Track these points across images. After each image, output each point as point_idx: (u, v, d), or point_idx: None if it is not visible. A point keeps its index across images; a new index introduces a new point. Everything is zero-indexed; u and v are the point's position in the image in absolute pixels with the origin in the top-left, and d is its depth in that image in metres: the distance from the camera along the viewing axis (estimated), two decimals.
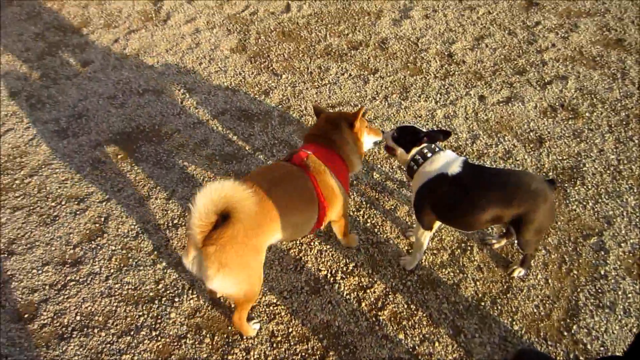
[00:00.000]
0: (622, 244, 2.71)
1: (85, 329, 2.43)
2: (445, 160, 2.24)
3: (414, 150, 2.32)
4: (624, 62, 3.92)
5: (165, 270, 2.66)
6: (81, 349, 2.36)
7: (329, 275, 2.59)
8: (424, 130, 2.36)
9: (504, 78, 3.81)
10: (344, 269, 2.62)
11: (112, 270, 2.66)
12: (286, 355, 2.31)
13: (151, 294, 2.56)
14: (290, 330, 2.39)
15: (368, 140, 2.57)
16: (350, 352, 2.31)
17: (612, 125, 3.42)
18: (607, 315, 2.42)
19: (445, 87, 3.75)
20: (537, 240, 2.32)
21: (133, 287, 2.59)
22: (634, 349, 1.62)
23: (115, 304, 2.52)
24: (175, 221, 2.89)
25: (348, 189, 2.42)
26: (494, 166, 3.14)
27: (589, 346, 2.30)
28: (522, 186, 2.11)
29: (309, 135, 2.45)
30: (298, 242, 2.75)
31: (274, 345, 2.34)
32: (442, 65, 3.94)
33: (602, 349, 2.30)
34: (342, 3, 4.70)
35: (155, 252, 2.74)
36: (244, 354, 2.31)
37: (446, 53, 4.06)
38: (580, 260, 2.65)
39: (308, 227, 2.26)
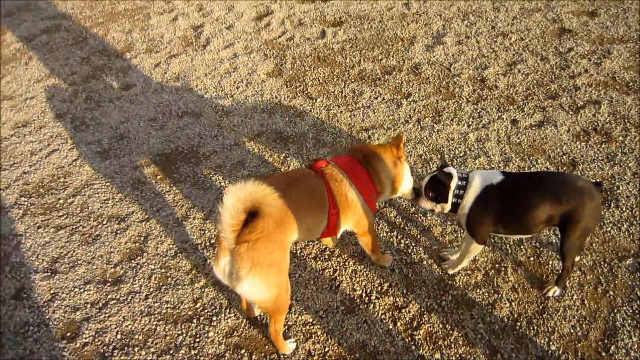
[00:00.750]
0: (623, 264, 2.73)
1: (126, 348, 2.54)
2: (482, 176, 2.40)
3: (451, 194, 2.44)
4: None
5: (203, 290, 2.78)
6: None
7: (364, 294, 2.68)
8: (445, 172, 2.44)
9: (537, 102, 3.89)
10: (379, 289, 2.70)
11: (151, 289, 2.80)
12: None
13: (189, 312, 2.67)
14: (327, 349, 2.47)
15: (408, 176, 2.61)
16: None
17: None
18: None
19: (478, 110, 3.84)
20: (580, 246, 2.40)
21: (172, 306, 2.71)
22: None
23: (154, 323, 2.64)
24: (213, 241, 3.02)
25: (373, 207, 2.51)
26: None
27: None
28: (569, 184, 2.28)
29: (352, 149, 2.60)
30: (334, 261, 2.85)
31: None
32: (475, 90, 4.05)
33: None
34: (376, 29, 4.89)
35: (193, 271, 2.87)
36: None
37: (478, 78, 4.17)
38: (616, 282, 2.67)
39: (318, 230, 2.37)
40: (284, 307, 2.26)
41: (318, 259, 2.86)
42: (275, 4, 5.44)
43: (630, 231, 2.93)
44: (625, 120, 3.67)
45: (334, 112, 3.94)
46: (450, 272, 2.73)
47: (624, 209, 3.05)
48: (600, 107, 3.79)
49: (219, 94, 4.22)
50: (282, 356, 2.45)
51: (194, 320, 2.62)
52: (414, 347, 2.44)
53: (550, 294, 2.60)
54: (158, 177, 3.50)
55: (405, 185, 2.60)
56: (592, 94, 3.93)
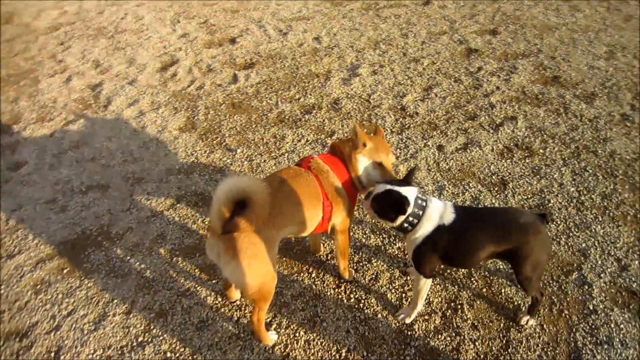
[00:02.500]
0: (602, 275, 2.75)
1: None
2: (438, 212, 2.25)
3: (401, 219, 2.26)
4: (563, 97, 4.15)
5: None
6: None
7: None
8: (404, 188, 2.23)
9: (458, 125, 3.92)
10: (337, 357, 2.47)
11: None
12: None
13: None
14: None
15: (362, 168, 2.53)
16: None
17: (566, 159, 3.56)
18: (607, 352, 2.40)
19: (404, 140, 3.80)
20: (537, 278, 2.33)
21: None
22: None
23: None
24: (140, 339, 2.64)
25: (352, 198, 2.57)
26: None
27: None
28: (511, 221, 2.22)
29: (329, 146, 2.67)
30: (283, 334, 2.59)
31: None
32: (397, 119, 4.01)
33: None
34: (290, 68, 4.77)
35: None
36: None
37: (399, 107, 4.15)
38: (568, 299, 2.65)
39: (313, 223, 2.44)
40: (268, 297, 2.32)
41: None
42: (180, 52, 5.17)
43: (569, 244, 2.95)
44: (542, 133, 3.79)
45: (257, 161, 3.72)
46: (408, 321, 2.58)
47: (559, 222, 3.09)
48: (517, 122, 3.89)
49: (127, 159, 3.86)
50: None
51: None
52: None
53: (522, 322, 2.54)
54: (65, 271, 3.04)
55: (364, 177, 2.55)
56: (507, 110, 4.03)
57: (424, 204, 2.26)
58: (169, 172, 3.70)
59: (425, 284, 2.42)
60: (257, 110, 4.28)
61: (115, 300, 2.82)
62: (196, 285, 2.86)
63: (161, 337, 2.60)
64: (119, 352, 2.56)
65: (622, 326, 2.52)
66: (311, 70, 4.73)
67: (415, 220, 2.24)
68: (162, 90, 4.64)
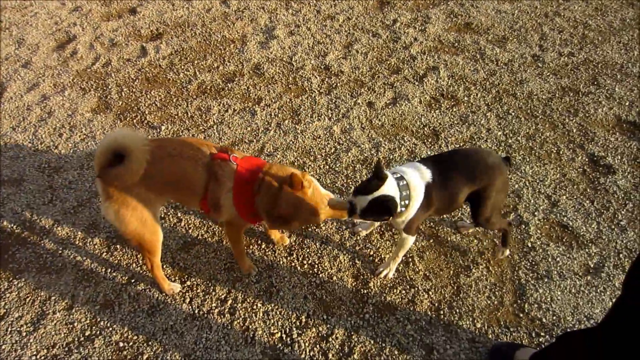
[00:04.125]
0: (536, 213, 2.96)
1: None
2: (418, 179, 2.25)
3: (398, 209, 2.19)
4: (477, 43, 4.31)
5: None
6: None
7: (284, 336, 2.43)
8: (383, 187, 2.13)
9: (384, 80, 3.96)
10: (298, 324, 2.48)
11: None
12: None
13: None
14: None
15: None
16: None
17: (489, 104, 3.73)
18: (547, 285, 2.61)
19: (333, 101, 3.78)
20: (497, 215, 2.44)
21: None
22: (611, 320, 1.74)
23: None
24: (88, 332, 2.48)
25: (243, 217, 2.36)
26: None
27: (544, 320, 2.47)
28: (481, 163, 2.29)
29: (270, 165, 2.35)
30: (240, 309, 2.55)
31: None
32: (323, 80, 3.97)
33: (554, 318, 2.48)
34: (202, 35, 4.52)
35: None
36: None
37: (322, 67, 4.10)
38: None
39: (191, 202, 2.42)
40: (151, 249, 2.41)
41: (222, 314, 2.53)
42: (75, 27, 4.70)
43: None
44: (464, 80, 3.93)
45: (186, 136, 3.54)
46: (390, 275, 2.63)
47: None
48: (440, 72, 4.00)
49: (37, 148, 3.50)
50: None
51: None
52: None
53: (500, 256, 2.69)
54: None
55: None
56: (428, 61, 4.12)
57: (404, 182, 2.21)
58: (89, 157, 3.41)
59: (411, 241, 2.45)
60: (175, 83, 4.04)
61: (53, 297, 2.61)
62: (141, 271, 2.71)
63: (110, 328, 2.46)
64: (66, 349, 2.40)
65: (558, 259, 2.74)
66: (225, 36, 4.51)
67: (407, 201, 2.21)
68: (63, 70, 4.22)
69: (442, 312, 2.50)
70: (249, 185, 2.25)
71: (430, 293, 2.59)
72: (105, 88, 4.02)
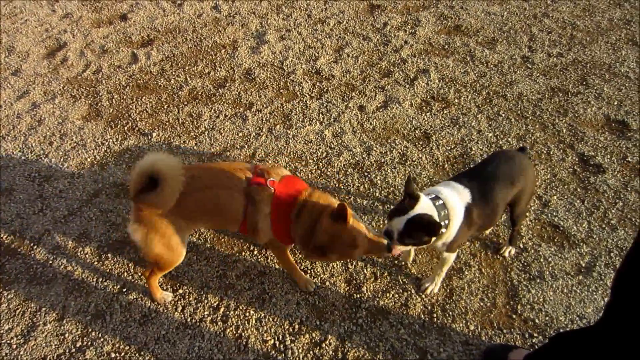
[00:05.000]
0: (527, 214, 2.95)
1: None
2: (457, 199, 2.16)
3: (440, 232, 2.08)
4: (467, 45, 4.31)
5: None
6: None
7: (277, 343, 2.41)
8: (419, 206, 2.03)
9: (375, 83, 3.95)
10: (291, 330, 2.46)
11: None
12: None
13: None
14: None
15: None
16: None
17: (480, 105, 3.73)
18: (539, 285, 2.60)
19: (325, 105, 3.76)
20: (527, 209, 2.48)
21: None
22: (604, 324, 1.74)
23: None
24: (79, 344, 2.45)
25: (282, 241, 2.38)
26: (396, 171, 3.21)
27: (537, 320, 2.46)
28: (513, 169, 2.31)
29: (309, 189, 2.31)
30: (233, 317, 2.52)
31: None
32: (314, 84, 3.96)
33: (547, 318, 2.47)
34: (193, 41, 4.49)
35: None
36: None
37: (313, 71, 4.09)
38: (500, 241, 2.82)
39: (229, 227, 2.42)
40: (164, 268, 2.41)
41: (215, 322, 2.50)
42: (66, 34, 4.67)
43: None
44: (454, 82, 3.93)
45: (176, 143, 3.52)
46: (436, 290, 2.56)
47: None
48: (430, 75, 3.99)
49: (28, 157, 3.47)
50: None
51: None
52: None
53: (506, 254, 2.71)
54: None
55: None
56: (418, 63, 4.12)
57: (440, 201, 2.10)
58: (80, 165, 3.38)
59: (455, 256, 2.42)
60: (166, 90, 4.02)
61: (44, 309, 2.57)
62: (132, 280, 2.69)
63: (102, 339, 2.43)
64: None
65: (550, 259, 2.73)
66: (216, 42, 4.50)
67: (446, 221, 2.11)
68: (53, 78, 4.18)
69: (435, 315, 2.49)
70: (287, 211, 2.23)
71: (423, 296, 2.57)
72: (95, 95, 3.99)
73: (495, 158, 2.39)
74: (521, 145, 3.38)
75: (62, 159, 3.45)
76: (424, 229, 2.01)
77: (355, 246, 2.14)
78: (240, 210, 2.24)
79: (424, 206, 2.04)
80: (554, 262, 2.71)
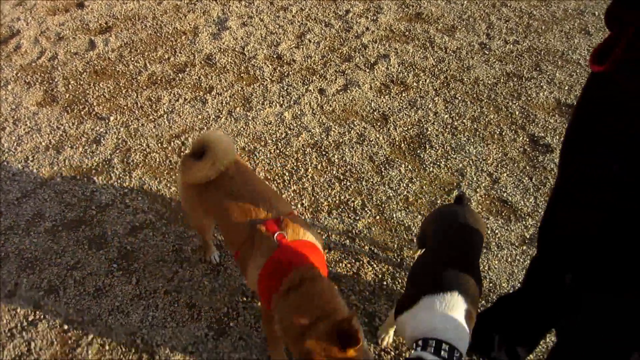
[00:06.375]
0: (478, 190, 3.19)
1: None
2: (451, 322, 1.79)
3: None
4: (427, 32, 4.57)
5: None
6: None
7: (230, 310, 2.57)
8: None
9: (335, 68, 4.16)
10: (244, 299, 2.62)
11: None
12: None
13: None
14: None
15: None
16: None
17: (437, 89, 3.98)
18: (485, 255, 2.83)
19: (285, 88, 3.95)
20: None
21: None
22: (531, 273, 1.97)
23: None
24: (31, 317, 2.56)
25: (262, 299, 2.02)
26: (354, 150, 3.42)
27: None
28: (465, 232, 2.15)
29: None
30: (187, 287, 2.67)
31: None
32: (275, 69, 4.15)
33: (490, 285, 2.69)
34: (153, 28, 4.63)
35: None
36: None
37: (275, 56, 4.28)
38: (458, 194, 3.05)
39: (227, 244, 2.54)
40: (197, 230, 2.71)
41: (169, 293, 2.65)
42: (19, 22, 4.75)
43: (448, 166, 3.36)
44: (414, 67, 4.17)
45: (135, 126, 3.65)
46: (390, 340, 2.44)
47: (437, 148, 3.48)
48: (390, 60, 4.23)
49: None
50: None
51: None
52: None
53: None
54: None
55: None
56: (379, 49, 4.35)
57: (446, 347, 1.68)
58: (35, 150, 3.48)
59: None
60: (125, 75, 4.15)
61: None
62: (87, 257, 2.81)
63: (55, 312, 2.56)
64: (9, 334, 2.48)
65: (496, 231, 2.97)
66: (177, 28, 4.64)
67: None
68: (6, 65, 4.26)
69: (385, 283, 2.69)
70: (277, 277, 1.86)
71: (374, 265, 2.77)
72: (51, 81, 4.09)
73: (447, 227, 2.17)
74: (476, 126, 3.64)
75: (15, 144, 3.55)
76: None
77: None
78: (240, 242, 2.05)
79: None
80: (500, 234, 2.95)
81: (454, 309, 1.77)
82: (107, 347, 2.44)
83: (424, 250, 2.30)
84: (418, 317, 1.79)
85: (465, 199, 2.37)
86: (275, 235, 1.93)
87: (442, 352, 1.65)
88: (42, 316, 2.55)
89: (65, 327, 2.51)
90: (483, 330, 2.27)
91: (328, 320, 1.64)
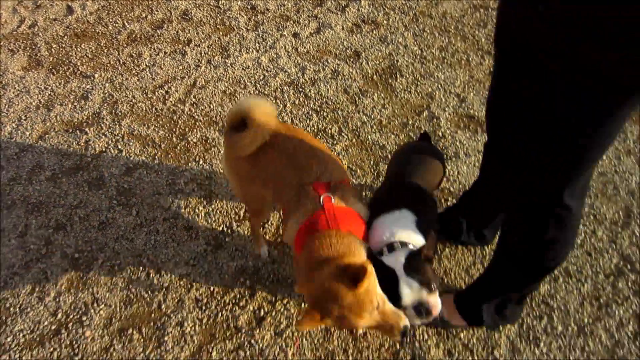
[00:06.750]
0: (446, 109, 3.46)
1: None
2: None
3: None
4: None
5: (57, 299, 2.63)
6: None
7: (224, 228, 2.85)
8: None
9: (308, 13, 4.36)
10: (237, 218, 2.90)
11: None
12: (218, 310, 2.54)
13: (53, 327, 2.53)
14: (212, 288, 2.62)
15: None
16: (274, 278, 2.64)
17: (407, 25, 4.20)
18: (455, 162, 3.12)
19: (260, 35, 4.16)
20: None
21: (29, 331, 2.53)
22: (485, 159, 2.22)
23: (16, 356, 2.44)
24: (44, 251, 2.83)
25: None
26: (329, 85, 3.66)
27: (452, 189, 2.97)
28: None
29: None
30: (185, 212, 2.94)
31: (203, 307, 2.55)
32: (250, 18, 4.35)
33: (460, 186, 2.99)
34: None
35: (37, 289, 2.69)
36: (179, 329, 2.48)
37: (249, 7, 4.47)
38: (422, 132, 3.31)
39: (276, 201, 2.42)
40: (252, 214, 2.63)
41: (167, 220, 2.92)
42: None
43: (418, 91, 3.61)
44: (384, 7, 4.38)
45: (119, 81, 3.86)
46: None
47: (407, 76, 3.73)
48: (361, 2, 4.43)
49: None
50: (175, 316, 2.52)
51: (62, 331, 2.50)
52: (288, 250, 2.74)
53: None
54: None
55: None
56: None
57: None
58: (26, 110, 3.70)
59: None
60: (105, 36, 4.33)
61: (6, 229, 2.93)
62: (88, 197, 3.07)
63: (65, 244, 2.83)
64: (25, 267, 2.75)
65: (464, 142, 3.25)
66: None
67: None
68: None
69: (364, 193, 2.97)
70: (310, 234, 1.91)
71: (353, 180, 3.05)
72: (34, 47, 4.27)
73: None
74: (444, 55, 3.88)
75: (6, 107, 3.76)
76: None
77: (360, 316, 1.70)
78: (287, 200, 2.08)
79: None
80: (468, 144, 3.23)
81: (403, 220, 1.96)
82: (116, 268, 2.72)
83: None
84: (372, 236, 1.98)
85: (427, 136, 2.59)
86: (322, 197, 1.94)
87: (396, 249, 1.84)
88: (54, 249, 2.82)
89: (77, 255, 2.78)
90: (452, 218, 2.57)
91: (336, 262, 1.75)
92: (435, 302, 1.80)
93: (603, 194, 2.94)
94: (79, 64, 4.06)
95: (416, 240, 1.90)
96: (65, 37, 4.34)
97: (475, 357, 2.35)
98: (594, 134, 1.43)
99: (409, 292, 1.77)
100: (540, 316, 2.46)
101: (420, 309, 1.79)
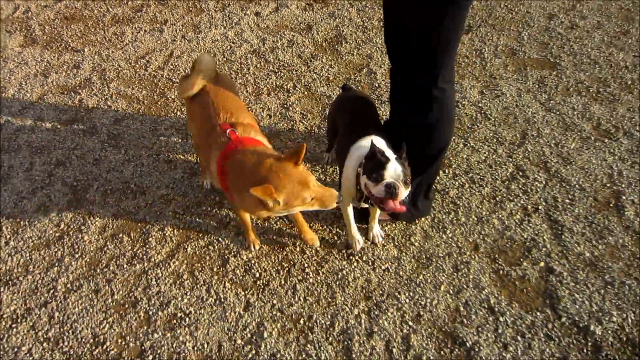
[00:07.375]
0: (382, 66, 4.11)
1: (10, 282, 2.87)
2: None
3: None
4: None
5: (59, 215, 3.19)
6: (16, 295, 2.82)
7: (198, 161, 3.46)
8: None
9: None
10: None
11: (8, 234, 3.10)
12: (192, 218, 3.14)
13: (57, 234, 3.08)
14: (187, 204, 3.21)
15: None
16: None
17: (352, 2, 4.87)
18: (388, 106, 3.76)
19: (227, 14, 4.79)
20: None
21: (37, 237, 3.08)
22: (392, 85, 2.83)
23: (27, 256, 2.98)
24: (47, 181, 3.39)
25: (225, 190, 2.47)
26: (285, 52, 4.30)
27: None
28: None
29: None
30: (164, 151, 3.54)
31: (180, 217, 3.14)
32: (218, 1, 4.97)
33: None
34: None
35: (42, 208, 3.23)
36: (161, 232, 3.06)
37: None
38: (362, 84, 3.96)
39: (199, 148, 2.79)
40: (195, 146, 3.19)
41: (150, 156, 3.51)
42: None
43: (359, 53, 4.26)
44: None
45: (106, 54, 4.45)
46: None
47: (351, 42, 4.38)
48: None
49: None
50: (158, 223, 3.11)
51: (65, 237, 3.06)
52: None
53: None
54: None
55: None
56: None
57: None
58: (26, 77, 4.26)
59: None
60: (92, 18, 4.91)
61: (14, 166, 3.49)
62: (83, 141, 3.64)
63: (65, 176, 3.39)
64: (31, 192, 3.31)
65: None
66: None
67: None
68: None
69: (313, 131, 3.60)
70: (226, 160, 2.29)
71: (305, 123, 3.68)
72: (29, 28, 4.83)
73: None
74: (381, 25, 4.54)
75: (8, 75, 4.31)
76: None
77: (307, 186, 2.07)
78: (204, 144, 2.49)
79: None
80: None
81: (378, 141, 2.42)
82: (109, 192, 3.30)
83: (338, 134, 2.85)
84: (351, 158, 2.44)
85: (349, 86, 3.08)
86: (227, 131, 2.33)
87: (387, 150, 2.32)
88: (55, 180, 3.39)
89: (75, 183, 3.35)
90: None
91: (270, 154, 2.19)
92: (404, 191, 2.16)
93: (505, 122, 3.61)
94: (70, 41, 4.63)
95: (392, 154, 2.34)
96: (57, 20, 4.91)
97: (396, 243, 2.98)
98: (442, 24, 2.09)
99: (393, 172, 2.14)
100: (448, 212, 3.10)
101: (391, 189, 2.13)
